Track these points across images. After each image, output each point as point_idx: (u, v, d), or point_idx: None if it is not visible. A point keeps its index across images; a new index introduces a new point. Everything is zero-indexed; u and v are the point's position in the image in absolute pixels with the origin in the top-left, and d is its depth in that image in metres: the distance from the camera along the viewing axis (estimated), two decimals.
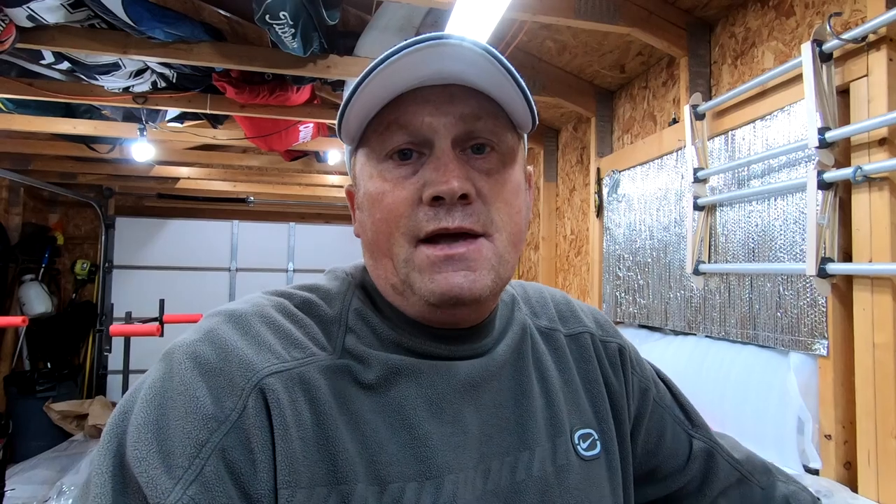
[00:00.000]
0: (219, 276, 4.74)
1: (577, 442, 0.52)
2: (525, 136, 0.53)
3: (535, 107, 0.47)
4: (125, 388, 2.77)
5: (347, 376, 0.44)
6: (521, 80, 0.45)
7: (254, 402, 0.40)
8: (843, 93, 1.17)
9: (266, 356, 0.42)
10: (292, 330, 0.45)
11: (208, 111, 2.43)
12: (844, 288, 1.16)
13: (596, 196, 2.21)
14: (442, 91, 0.45)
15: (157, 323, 2.94)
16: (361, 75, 0.43)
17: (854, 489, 1.09)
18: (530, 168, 0.54)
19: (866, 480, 1.07)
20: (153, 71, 2.18)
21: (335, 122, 0.49)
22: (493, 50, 0.43)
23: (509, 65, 0.44)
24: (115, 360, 3.95)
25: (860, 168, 1.07)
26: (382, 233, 0.46)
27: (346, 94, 0.46)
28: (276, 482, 0.39)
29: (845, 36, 1.10)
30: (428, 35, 0.43)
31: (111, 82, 2.19)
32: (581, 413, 0.54)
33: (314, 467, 0.40)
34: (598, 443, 0.53)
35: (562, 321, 0.59)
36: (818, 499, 0.65)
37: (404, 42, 0.42)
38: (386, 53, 0.42)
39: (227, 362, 0.41)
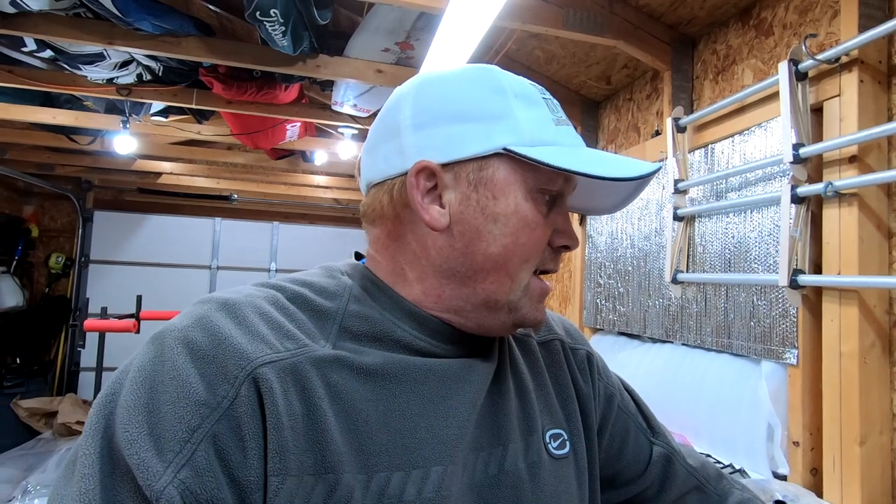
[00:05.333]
0: (199, 274, 4.66)
1: (548, 441, 0.54)
2: None
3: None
4: (98, 385, 2.71)
5: (341, 367, 0.45)
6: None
7: (246, 390, 0.40)
8: (817, 111, 1.21)
9: (260, 346, 0.42)
10: (284, 322, 0.45)
11: (194, 106, 2.40)
12: (814, 299, 1.19)
13: None
14: None
15: (133, 319, 2.89)
16: (568, 166, 0.47)
17: (819, 494, 1.12)
18: None
19: (831, 486, 1.10)
20: (139, 63, 2.15)
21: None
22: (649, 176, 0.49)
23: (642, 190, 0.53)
24: (88, 357, 3.86)
25: (831, 184, 1.11)
26: (517, 256, 0.50)
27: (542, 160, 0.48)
28: (266, 470, 0.39)
29: (820, 57, 1.15)
30: (635, 173, 0.48)
31: (95, 73, 2.15)
32: (552, 414, 0.56)
33: (303, 456, 0.41)
34: (567, 443, 0.55)
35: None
36: None
37: (619, 165, 0.49)
38: (599, 171, 0.47)
39: (219, 350, 0.41)
